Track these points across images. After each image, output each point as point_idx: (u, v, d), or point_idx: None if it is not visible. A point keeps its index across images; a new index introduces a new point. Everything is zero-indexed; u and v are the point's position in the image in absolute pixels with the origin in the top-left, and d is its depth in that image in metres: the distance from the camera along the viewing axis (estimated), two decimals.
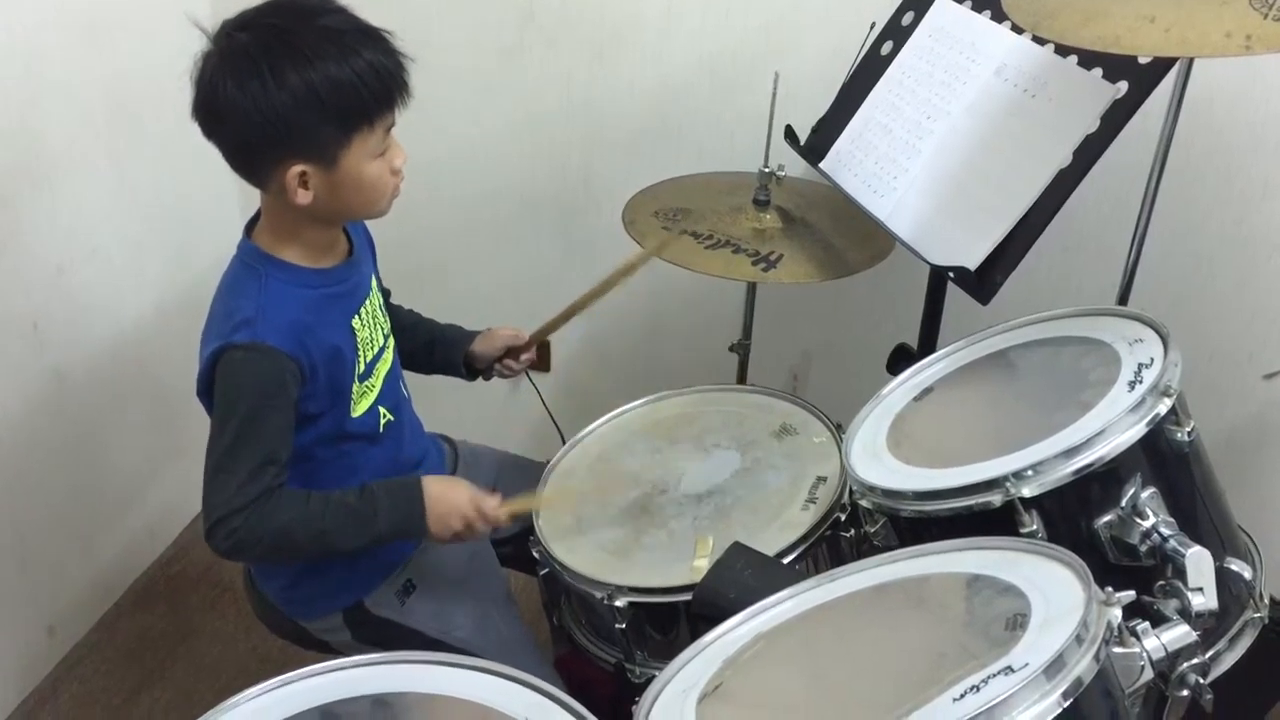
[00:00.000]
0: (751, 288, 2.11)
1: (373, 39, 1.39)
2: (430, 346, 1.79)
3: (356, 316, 1.53)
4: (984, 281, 1.59)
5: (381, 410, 1.58)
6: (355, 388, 1.52)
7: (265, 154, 1.37)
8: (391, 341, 1.64)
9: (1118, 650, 1.01)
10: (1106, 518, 1.25)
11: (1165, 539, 1.21)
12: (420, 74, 1.44)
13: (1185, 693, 1.10)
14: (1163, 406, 1.25)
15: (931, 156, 1.73)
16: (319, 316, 1.47)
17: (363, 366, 1.53)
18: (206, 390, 1.45)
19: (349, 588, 1.62)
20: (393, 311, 1.79)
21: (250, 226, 1.51)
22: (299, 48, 1.33)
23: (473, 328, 1.83)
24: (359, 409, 1.54)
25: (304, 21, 1.35)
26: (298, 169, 1.37)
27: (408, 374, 1.71)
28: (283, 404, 1.42)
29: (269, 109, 1.33)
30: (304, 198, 1.39)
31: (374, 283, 1.61)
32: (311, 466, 1.51)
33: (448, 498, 1.49)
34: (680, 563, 1.54)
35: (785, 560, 1.50)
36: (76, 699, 2.23)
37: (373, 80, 1.37)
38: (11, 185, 2.00)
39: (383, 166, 1.43)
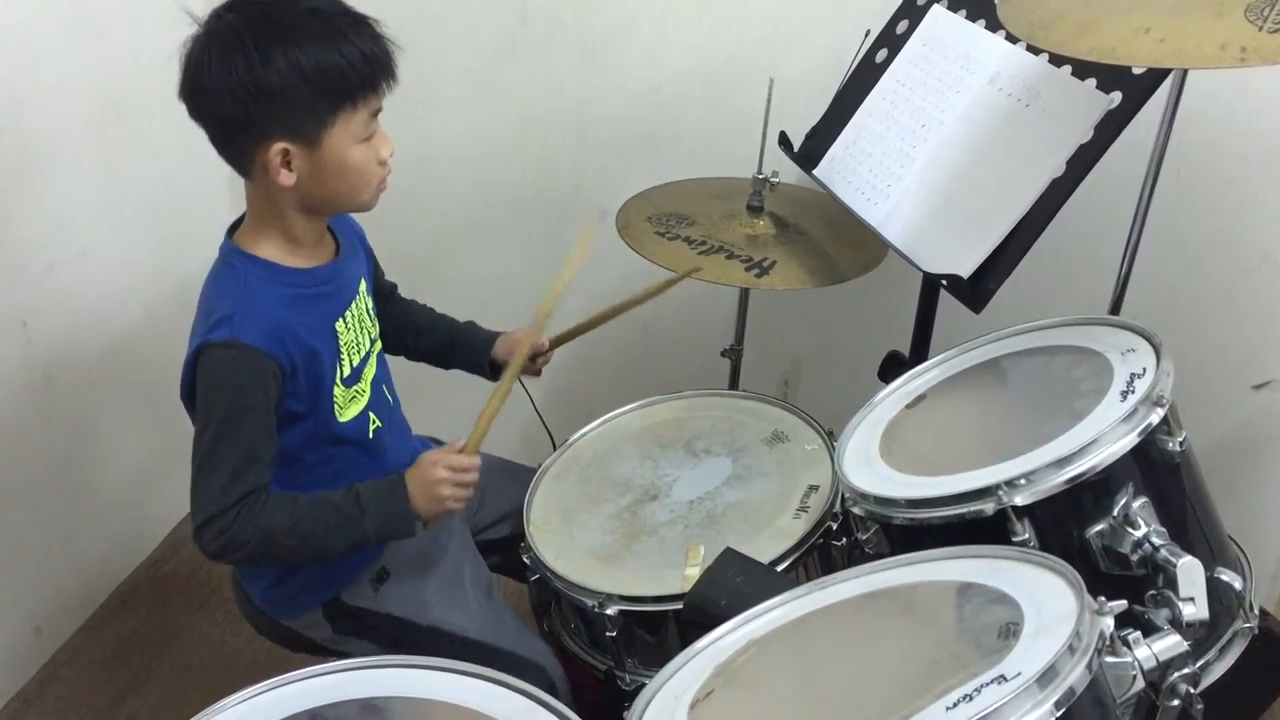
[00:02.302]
0: (744, 293, 2.11)
1: (359, 24, 1.40)
2: (450, 347, 1.79)
3: (341, 320, 1.52)
4: (977, 290, 1.59)
5: (371, 416, 1.57)
6: (342, 392, 1.52)
7: (248, 131, 1.37)
8: (378, 346, 1.63)
9: (1110, 659, 1.02)
10: (1098, 527, 1.25)
11: (1156, 549, 1.21)
12: (413, 75, 1.45)
13: (1176, 702, 1.11)
14: (1155, 416, 1.25)
15: (925, 164, 1.74)
16: (299, 315, 1.46)
17: (348, 370, 1.52)
18: (189, 392, 1.44)
19: (328, 583, 1.61)
20: (406, 308, 1.79)
21: (233, 230, 1.51)
22: (285, 26, 1.35)
23: None
24: (347, 414, 1.53)
25: (293, 4, 1.37)
26: (280, 147, 1.37)
27: (400, 375, 1.71)
28: (262, 402, 1.42)
29: (251, 84, 1.33)
30: (287, 179, 1.39)
31: (363, 286, 1.60)
32: (299, 469, 1.51)
33: (423, 480, 1.49)
34: (671, 570, 1.54)
35: (777, 569, 1.50)
36: (62, 700, 2.21)
37: (358, 60, 1.37)
38: (0, 182, 1.99)
39: (368, 154, 1.43)
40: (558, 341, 1.81)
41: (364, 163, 1.43)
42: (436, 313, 1.83)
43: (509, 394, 1.57)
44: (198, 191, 2.31)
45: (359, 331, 1.56)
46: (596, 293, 2.47)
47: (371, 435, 1.58)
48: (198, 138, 1.42)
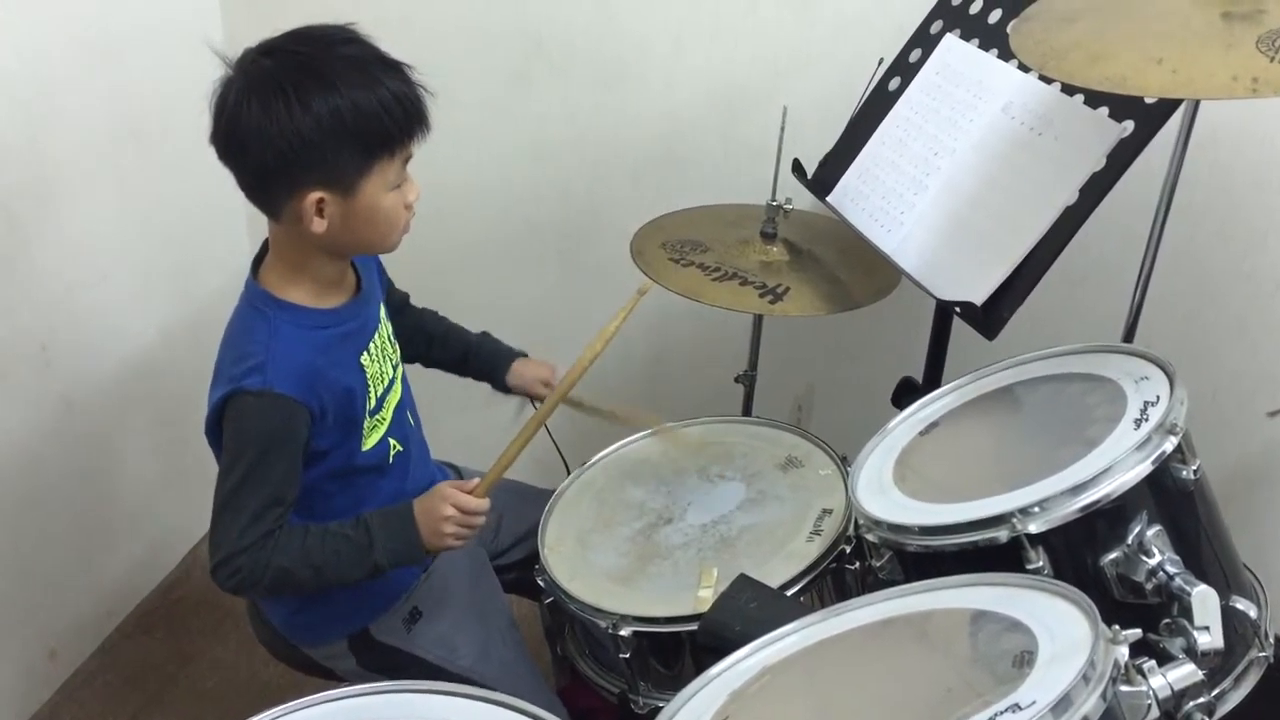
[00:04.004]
0: (758, 320, 2.11)
1: (394, 69, 1.40)
2: (465, 358, 1.82)
3: (365, 353, 1.53)
4: (990, 317, 1.59)
5: (391, 442, 1.58)
6: (365, 422, 1.53)
7: (285, 180, 1.37)
8: (400, 372, 1.64)
9: (1124, 689, 1.01)
10: (1112, 555, 1.25)
11: (1171, 577, 1.21)
12: (429, 101, 1.45)
13: None
14: (1169, 444, 1.25)
15: (938, 192, 1.74)
16: (329, 358, 1.47)
17: (373, 402, 1.54)
18: (214, 431, 1.45)
19: (355, 614, 1.62)
20: (419, 317, 1.81)
21: (256, 265, 1.51)
22: (324, 74, 1.34)
23: None
24: (369, 442, 1.54)
25: (328, 49, 1.37)
26: (316, 196, 1.37)
27: (418, 394, 1.72)
28: (291, 449, 1.43)
29: (293, 133, 1.33)
30: (319, 226, 1.39)
31: (383, 313, 1.62)
32: (318, 498, 1.52)
33: (430, 513, 1.49)
34: (685, 593, 1.54)
35: (790, 593, 1.50)
36: None
37: (395, 109, 1.38)
38: (21, 207, 2.01)
39: (398, 200, 1.44)
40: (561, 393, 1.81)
41: (393, 209, 1.44)
42: (450, 322, 1.85)
43: (528, 443, 1.57)
44: (215, 217, 2.33)
45: (382, 361, 1.57)
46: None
47: (391, 460, 1.59)
48: (215, 164, 1.43)
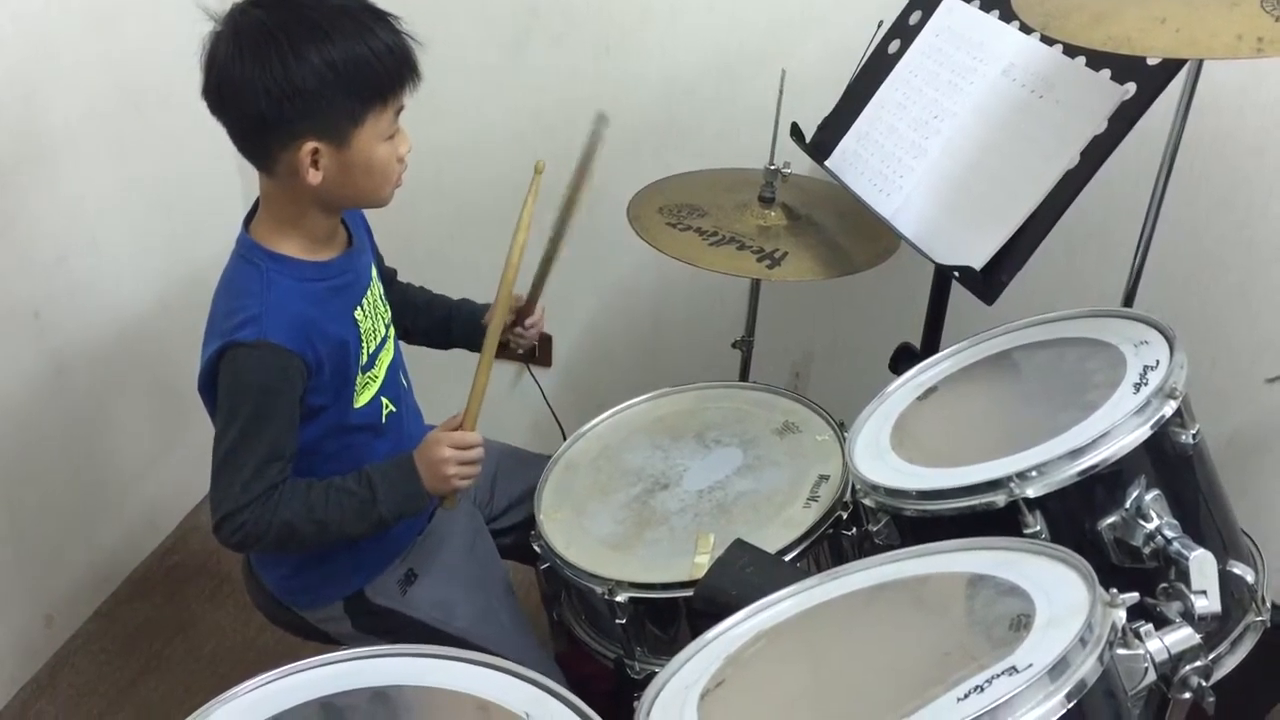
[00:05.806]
0: (755, 285, 2.10)
1: (384, 19, 1.40)
2: (447, 323, 1.80)
3: (359, 308, 1.53)
4: (989, 281, 1.58)
5: (384, 401, 1.58)
6: (359, 379, 1.52)
7: (280, 130, 1.37)
8: (392, 331, 1.64)
9: (1121, 652, 1.01)
10: (1110, 519, 1.25)
11: (1169, 541, 1.21)
12: (426, 66, 1.45)
13: (1187, 695, 1.10)
14: (1168, 409, 1.25)
15: (938, 156, 1.73)
16: (323, 310, 1.47)
17: (366, 358, 1.53)
18: (208, 387, 1.45)
19: (350, 577, 1.62)
20: (403, 290, 1.80)
21: (248, 221, 1.51)
22: (317, 23, 1.34)
23: None
24: (361, 400, 1.54)
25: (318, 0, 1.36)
26: (311, 146, 1.37)
27: (412, 362, 1.71)
28: (288, 400, 1.43)
29: (287, 83, 1.33)
30: (314, 177, 1.39)
31: (374, 273, 1.61)
32: (317, 460, 1.51)
33: (429, 459, 1.49)
34: (681, 559, 1.54)
35: (786, 558, 1.50)
36: (74, 688, 2.22)
37: (388, 58, 1.38)
38: (15, 172, 1.99)
39: (391, 151, 1.44)
40: (535, 291, 1.77)
41: (387, 160, 1.44)
42: (433, 293, 1.84)
43: (492, 363, 1.54)
44: (210, 183, 2.31)
45: (374, 318, 1.56)
46: (607, 284, 2.48)
47: (385, 420, 1.59)
48: (211, 130, 1.42)
